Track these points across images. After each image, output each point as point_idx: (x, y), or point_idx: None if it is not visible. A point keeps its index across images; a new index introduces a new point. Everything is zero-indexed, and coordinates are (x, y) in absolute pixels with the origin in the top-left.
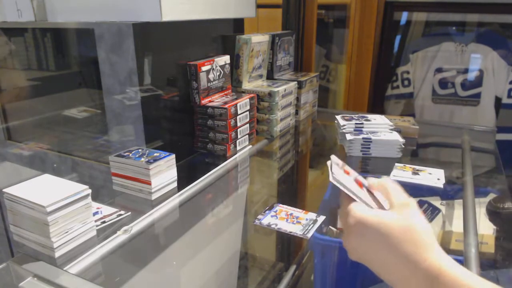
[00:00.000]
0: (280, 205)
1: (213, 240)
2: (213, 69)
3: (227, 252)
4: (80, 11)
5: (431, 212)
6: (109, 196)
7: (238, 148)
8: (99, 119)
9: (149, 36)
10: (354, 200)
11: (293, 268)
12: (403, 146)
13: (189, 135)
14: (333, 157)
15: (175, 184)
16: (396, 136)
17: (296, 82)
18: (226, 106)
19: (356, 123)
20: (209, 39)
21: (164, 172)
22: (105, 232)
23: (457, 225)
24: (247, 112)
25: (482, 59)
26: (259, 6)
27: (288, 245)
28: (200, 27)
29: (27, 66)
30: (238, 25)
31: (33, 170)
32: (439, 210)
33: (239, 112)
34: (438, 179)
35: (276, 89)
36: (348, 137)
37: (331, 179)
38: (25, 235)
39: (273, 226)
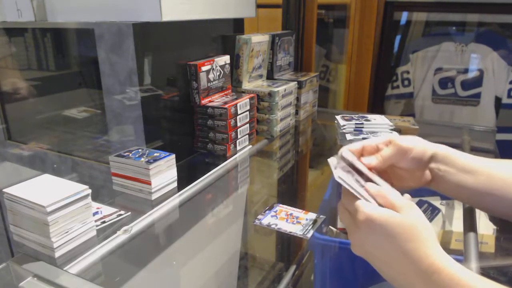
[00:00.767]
0: (280, 205)
1: (213, 240)
2: (213, 69)
3: (227, 252)
4: (80, 11)
5: (431, 212)
6: (109, 196)
7: (238, 148)
8: (99, 119)
9: (149, 36)
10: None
11: (293, 268)
12: None
13: (189, 135)
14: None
15: (175, 184)
16: None
17: (296, 82)
18: (226, 106)
19: (356, 123)
20: (209, 39)
21: (164, 172)
22: (105, 232)
23: (457, 225)
24: (247, 112)
25: (482, 59)
26: (259, 6)
27: (288, 245)
28: (200, 27)
29: (27, 66)
30: (238, 25)
31: (33, 170)
32: (439, 210)
33: (239, 112)
34: None
35: (276, 89)
36: (348, 137)
37: (336, 177)
38: (25, 235)
39: (273, 226)
